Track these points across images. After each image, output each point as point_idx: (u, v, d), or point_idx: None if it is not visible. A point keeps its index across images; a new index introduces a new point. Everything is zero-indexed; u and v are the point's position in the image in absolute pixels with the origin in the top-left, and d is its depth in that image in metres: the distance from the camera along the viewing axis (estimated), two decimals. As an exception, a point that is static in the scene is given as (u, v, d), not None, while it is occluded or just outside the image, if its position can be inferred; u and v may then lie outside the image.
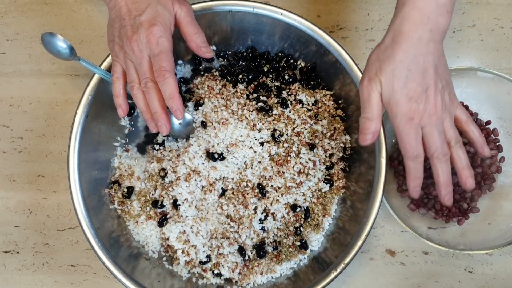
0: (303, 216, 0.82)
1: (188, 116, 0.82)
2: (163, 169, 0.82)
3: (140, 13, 0.69)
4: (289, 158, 0.81)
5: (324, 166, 0.83)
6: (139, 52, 0.69)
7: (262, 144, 0.81)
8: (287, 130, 0.82)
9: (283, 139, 0.82)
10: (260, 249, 0.81)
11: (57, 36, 0.75)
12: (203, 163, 0.80)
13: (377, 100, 0.66)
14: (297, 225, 0.82)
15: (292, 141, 0.82)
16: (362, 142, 0.68)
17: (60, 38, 0.75)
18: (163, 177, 0.82)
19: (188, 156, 0.80)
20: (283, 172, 0.81)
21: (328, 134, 0.84)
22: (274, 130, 0.82)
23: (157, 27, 0.68)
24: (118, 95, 0.74)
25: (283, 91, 0.85)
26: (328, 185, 0.83)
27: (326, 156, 0.83)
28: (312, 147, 0.82)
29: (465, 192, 0.84)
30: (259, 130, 0.81)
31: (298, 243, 0.82)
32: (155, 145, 0.84)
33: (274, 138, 0.82)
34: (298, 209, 0.82)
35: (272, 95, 0.85)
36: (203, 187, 0.81)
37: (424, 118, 0.65)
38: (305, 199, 0.82)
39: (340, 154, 0.84)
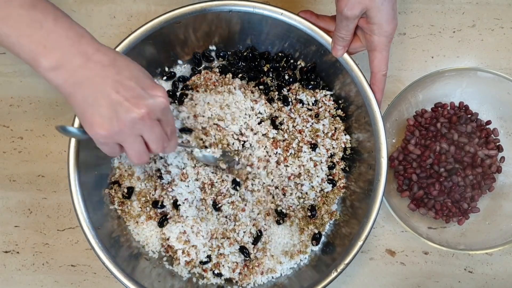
0: (311, 211, 0.82)
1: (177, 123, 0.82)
2: (158, 170, 0.81)
3: (142, 83, 0.60)
4: (289, 158, 0.81)
5: (326, 166, 0.83)
6: (152, 122, 0.61)
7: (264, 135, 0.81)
8: (288, 126, 0.82)
9: (284, 128, 0.82)
10: (281, 214, 0.81)
11: (57, 36, 0.75)
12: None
13: (355, 21, 0.71)
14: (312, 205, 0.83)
15: (294, 137, 0.82)
16: (335, 55, 0.77)
17: (60, 38, 0.75)
18: (160, 177, 0.81)
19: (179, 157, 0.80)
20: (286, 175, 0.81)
21: (329, 134, 0.84)
22: (275, 117, 0.82)
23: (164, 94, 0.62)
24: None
25: (283, 90, 0.85)
26: (331, 185, 0.83)
27: (328, 156, 0.83)
28: (314, 146, 0.82)
29: (465, 192, 0.84)
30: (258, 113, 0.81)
31: (313, 228, 0.82)
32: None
33: (274, 124, 0.81)
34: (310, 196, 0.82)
35: (274, 89, 0.84)
36: (203, 187, 0.81)
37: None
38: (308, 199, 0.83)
39: (341, 154, 0.84)
